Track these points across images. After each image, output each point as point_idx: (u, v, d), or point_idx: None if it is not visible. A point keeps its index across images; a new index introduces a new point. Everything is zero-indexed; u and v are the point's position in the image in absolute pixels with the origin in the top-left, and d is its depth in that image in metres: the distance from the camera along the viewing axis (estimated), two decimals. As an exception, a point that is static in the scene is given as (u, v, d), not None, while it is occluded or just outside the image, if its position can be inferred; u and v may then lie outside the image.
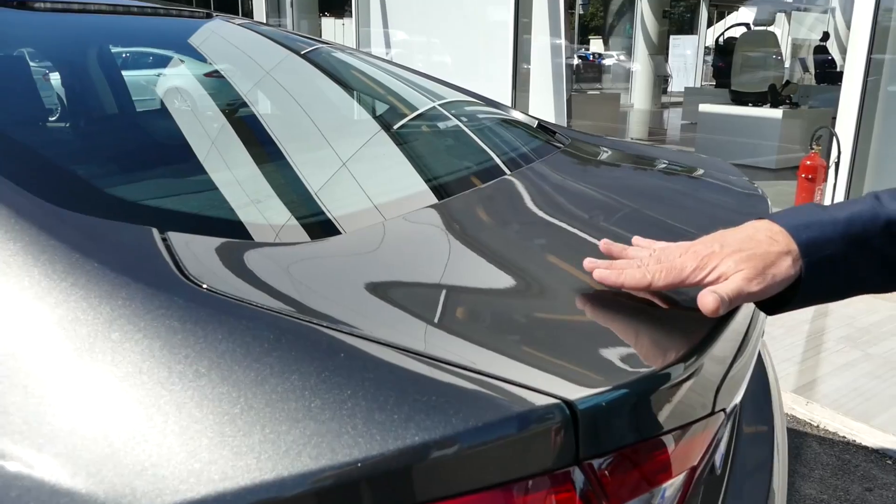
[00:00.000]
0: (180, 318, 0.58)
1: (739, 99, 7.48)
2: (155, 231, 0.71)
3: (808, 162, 4.12)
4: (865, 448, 2.14)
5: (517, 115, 1.66)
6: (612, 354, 0.61)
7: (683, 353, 0.62)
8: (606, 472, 0.55)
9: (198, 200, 0.92)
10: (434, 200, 0.98)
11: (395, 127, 1.41)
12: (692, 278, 0.68)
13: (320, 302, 0.65)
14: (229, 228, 0.82)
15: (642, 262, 0.71)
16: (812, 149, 4.19)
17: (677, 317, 0.69)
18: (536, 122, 1.63)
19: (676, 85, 14.10)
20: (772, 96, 7.26)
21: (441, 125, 1.51)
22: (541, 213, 1.00)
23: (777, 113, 6.74)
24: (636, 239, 0.79)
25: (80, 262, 0.62)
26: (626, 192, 1.17)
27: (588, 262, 0.73)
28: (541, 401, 0.52)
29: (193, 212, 0.87)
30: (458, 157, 1.30)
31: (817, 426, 2.26)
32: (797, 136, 6.56)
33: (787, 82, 7.73)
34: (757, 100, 7.31)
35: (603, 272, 0.71)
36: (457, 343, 0.59)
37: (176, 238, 0.70)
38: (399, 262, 0.79)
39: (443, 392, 0.53)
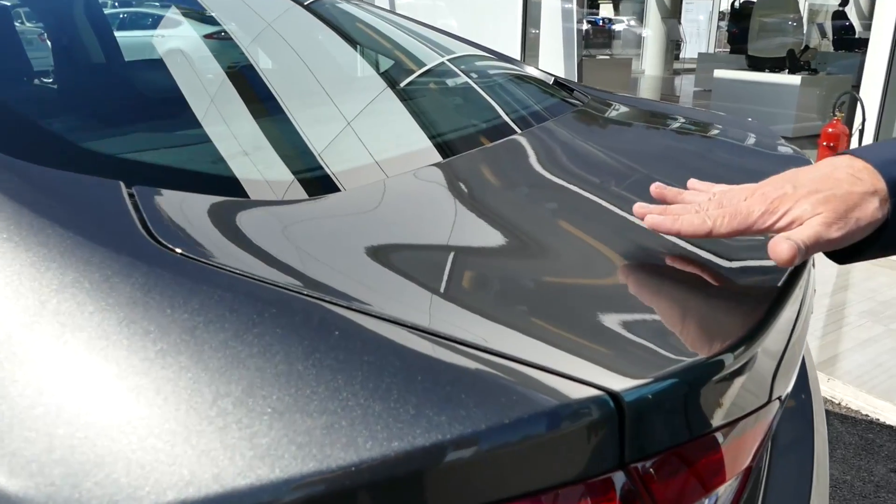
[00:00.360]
0: (143, 287, 0.49)
1: (756, 65, 7.26)
2: (122, 185, 0.61)
3: (831, 129, 3.96)
4: (889, 427, 2.05)
5: (534, 71, 1.54)
6: (660, 337, 0.51)
7: (740, 334, 0.53)
8: (655, 476, 0.46)
9: (178, 153, 0.81)
10: (439, 159, 0.88)
11: (402, 83, 1.30)
12: (760, 224, 0.59)
13: (313, 269, 0.56)
14: (212, 184, 0.72)
15: (701, 207, 0.61)
16: (834, 116, 4.04)
17: (730, 291, 0.59)
18: (553, 78, 1.52)
19: (689, 51, 13.78)
20: (790, 62, 7.05)
21: (452, 82, 1.39)
22: (569, 176, 0.89)
23: (795, 79, 6.53)
24: (692, 182, 0.69)
25: (28, 220, 0.53)
26: (658, 156, 1.06)
27: (638, 207, 0.64)
28: (580, 392, 0.43)
29: (171, 164, 0.77)
30: (481, 114, 1.19)
31: (839, 403, 2.18)
32: (816, 104, 6.37)
33: (806, 47, 7.50)
34: (774, 66, 7.09)
35: (656, 218, 0.62)
36: (476, 321, 0.49)
37: (145, 193, 0.61)
38: (407, 224, 0.69)
39: (460, 380, 0.43)
